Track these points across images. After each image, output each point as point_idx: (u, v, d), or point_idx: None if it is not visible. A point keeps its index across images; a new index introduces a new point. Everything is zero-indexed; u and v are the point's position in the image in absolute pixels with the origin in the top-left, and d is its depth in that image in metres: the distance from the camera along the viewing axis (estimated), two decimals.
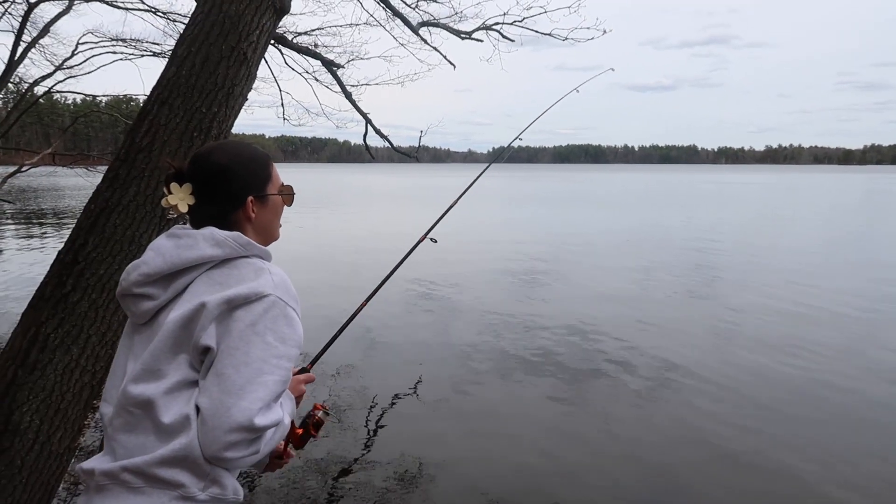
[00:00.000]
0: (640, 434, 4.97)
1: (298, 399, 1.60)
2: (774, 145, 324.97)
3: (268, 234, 1.56)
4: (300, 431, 1.65)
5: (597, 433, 5.00)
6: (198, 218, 1.47)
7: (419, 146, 9.44)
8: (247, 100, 3.00)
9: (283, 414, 1.39)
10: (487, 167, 3.18)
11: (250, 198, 1.48)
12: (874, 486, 4.20)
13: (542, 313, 8.87)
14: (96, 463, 1.33)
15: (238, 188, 1.47)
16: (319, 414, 1.68)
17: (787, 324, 8.31)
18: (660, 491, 4.13)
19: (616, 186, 59.28)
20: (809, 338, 7.60)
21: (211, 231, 1.39)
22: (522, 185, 61.46)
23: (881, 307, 9.27)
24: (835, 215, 27.43)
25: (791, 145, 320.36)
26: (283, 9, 2.80)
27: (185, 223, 1.49)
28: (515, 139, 3.37)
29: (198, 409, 1.29)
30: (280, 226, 1.60)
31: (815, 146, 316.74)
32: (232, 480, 1.36)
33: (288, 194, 1.59)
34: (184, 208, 1.45)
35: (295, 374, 1.63)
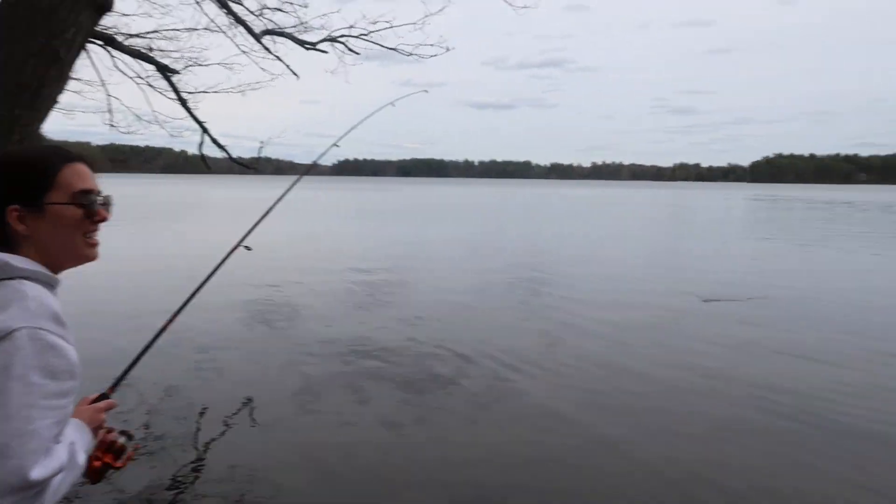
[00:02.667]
0: (474, 442, 5.05)
1: (97, 429, 1.41)
2: (599, 162, 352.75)
3: (60, 254, 1.32)
4: (98, 464, 1.44)
5: (430, 443, 5.02)
6: None
7: (259, 157, 9.09)
8: (57, 102, 2.67)
9: (76, 452, 1.24)
10: (298, 180, 3.15)
11: (12, 208, 1.25)
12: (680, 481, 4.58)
13: (378, 325, 8.82)
14: None
15: None
16: (121, 440, 1.48)
17: (611, 330, 8.94)
18: (492, 498, 4.21)
19: (454, 199, 61.07)
20: (631, 341, 8.24)
21: None
22: (365, 197, 61.47)
23: (688, 307, 10.28)
24: (647, 226, 30.18)
25: (614, 162, 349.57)
26: (103, 5, 2.53)
27: None
28: (329, 148, 3.36)
29: None
30: (92, 244, 1.35)
31: (634, 164, 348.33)
32: None
33: (83, 205, 1.31)
34: None
35: (92, 401, 1.46)
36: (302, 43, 6.43)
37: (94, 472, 1.43)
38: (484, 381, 6.52)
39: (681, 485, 4.43)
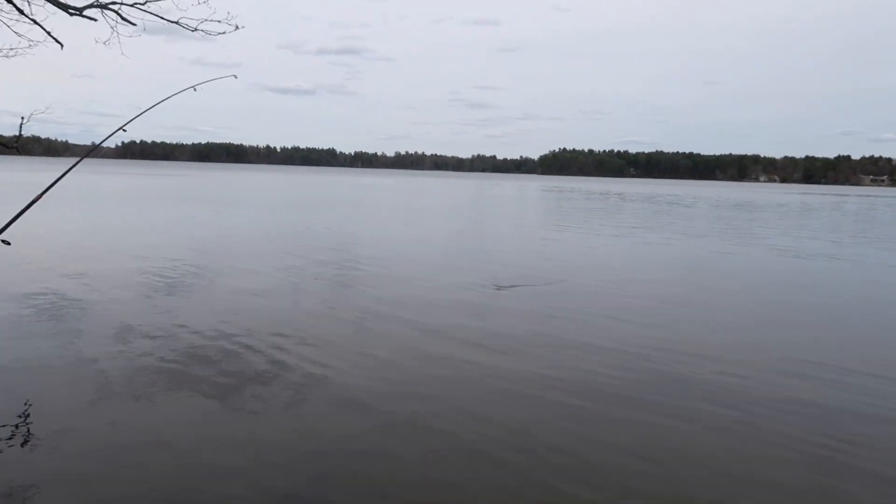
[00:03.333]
0: (291, 437, 5.00)
1: None
2: (403, 152, 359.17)
3: None
4: None
5: (245, 438, 4.88)
6: None
7: (20, 135, 8.06)
8: None
9: None
10: (80, 161, 2.88)
11: None
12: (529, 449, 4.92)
13: (176, 320, 8.28)
14: None
15: None
16: None
17: (416, 317, 9.24)
18: (307, 495, 4.21)
19: (254, 185, 58.79)
20: (443, 323, 8.59)
21: None
22: (157, 182, 56.78)
23: (485, 292, 10.95)
24: (453, 212, 31.51)
25: (417, 152, 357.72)
26: None
27: None
28: (117, 131, 3.10)
29: None
30: None
31: (436, 154, 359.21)
32: None
33: None
34: None
35: None
36: (65, 7, 5.77)
37: None
38: (292, 372, 6.42)
39: (475, 462, 4.73)
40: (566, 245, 19.06)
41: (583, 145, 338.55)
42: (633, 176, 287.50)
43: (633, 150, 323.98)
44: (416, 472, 4.47)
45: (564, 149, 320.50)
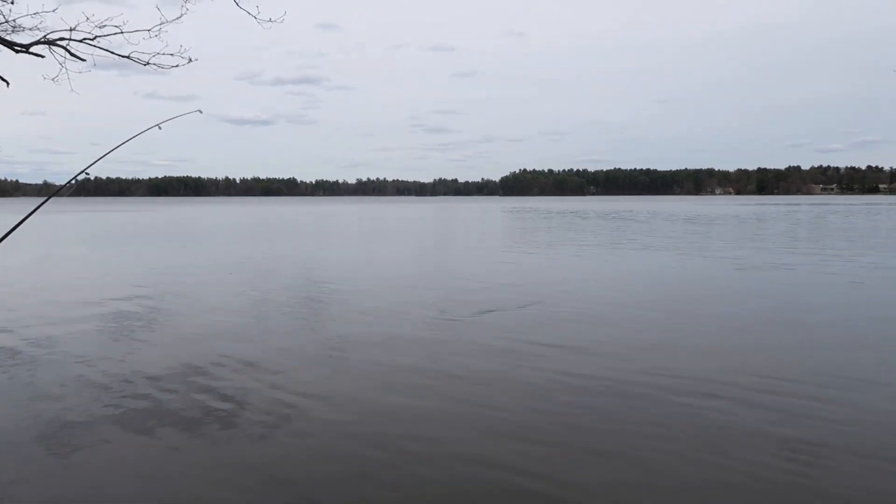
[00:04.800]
0: (256, 474, 4.88)
1: None
2: (364, 178, 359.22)
3: None
4: None
5: (208, 477, 4.74)
6: None
7: None
8: None
9: None
10: (45, 201, 2.78)
11: None
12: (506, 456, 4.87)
13: (140, 358, 8.09)
14: None
15: None
16: None
17: (390, 346, 9.17)
18: None
19: (217, 219, 58.01)
20: (410, 355, 8.52)
21: None
22: (114, 218, 55.64)
23: (459, 315, 10.92)
24: (416, 237, 31.51)
25: (378, 178, 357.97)
26: None
27: None
28: (81, 173, 3.02)
29: None
30: None
31: (398, 179, 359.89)
32: None
33: None
34: None
35: None
36: (10, 45, 5.65)
37: None
38: (264, 404, 6.30)
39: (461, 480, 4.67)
40: (533, 266, 19.17)
41: (542, 165, 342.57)
42: (593, 194, 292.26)
43: (591, 168, 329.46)
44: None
45: (525, 170, 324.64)
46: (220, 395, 6.60)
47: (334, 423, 5.83)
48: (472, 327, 9.98)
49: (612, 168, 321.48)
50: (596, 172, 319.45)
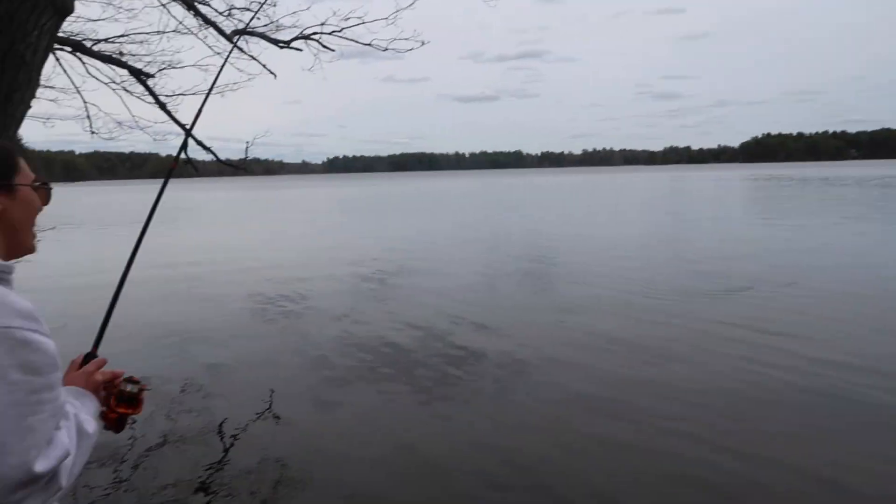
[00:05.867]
0: (500, 431, 5.11)
1: (95, 390, 1.46)
2: (590, 149, 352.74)
3: (19, 238, 1.37)
4: (114, 416, 1.49)
5: (456, 432, 5.09)
6: None
7: (246, 158, 9.10)
8: (30, 107, 2.72)
9: (82, 422, 1.28)
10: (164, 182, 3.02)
11: None
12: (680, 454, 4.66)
13: (390, 317, 8.92)
14: None
15: None
16: (128, 388, 1.50)
17: (618, 313, 9.02)
18: (522, 486, 4.29)
19: (452, 191, 61.05)
20: (640, 326, 8.32)
21: None
22: (361, 192, 61.38)
23: (694, 286, 10.36)
24: (650, 209, 30.26)
25: (605, 148, 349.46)
26: (64, 8, 2.57)
27: None
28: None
29: None
30: (35, 236, 1.40)
31: (625, 149, 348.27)
32: None
33: (43, 187, 1.40)
34: None
35: (80, 364, 1.50)
36: (275, 42, 6.45)
37: (114, 424, 1.49)
38: (494, 368, 6.61)
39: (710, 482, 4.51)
40: (786, 241, 17.40)
41: (789, 129, 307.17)
42: (853, 158, 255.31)
43: (851, 129, 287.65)
44: (627, 471, 4.36)
45: (769, 134, 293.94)
46: (458, 356, 7.02)
47: (569, 388, 5.89)
48: (709, 305, 9.37)
49: (880, 128, 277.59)
50: (858, 134, 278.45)
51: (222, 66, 2.53)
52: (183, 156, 8.27)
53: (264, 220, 31.34)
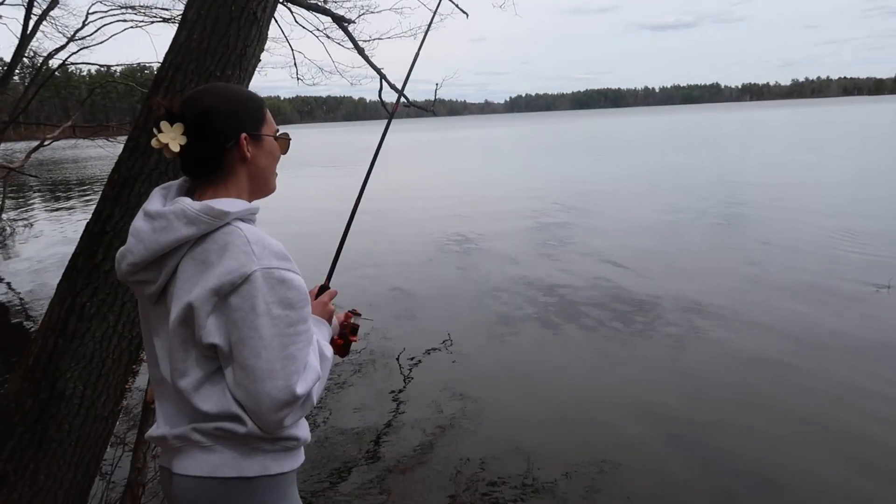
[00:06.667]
0: (675, 384, 4.98)
1: (329, 318, 1.63)
2: (801, 79, 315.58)
3: (264, 182, 1.51)
4: (340, 342, 1.72)
5: (632, 382, 5.02)
6: (190, 160, 1.43)
7: (434, 100, 9.33)
8: (259, 61, 2.97)
9: (323, 348, 1.45)
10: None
11: (244, 135, 1.43)
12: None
13: (570, 259, 8.89)
14: (166, 429, 1.39)
15: (231, 125, 1.42)
16: (353, 320, 1.75)
17: (816, 264, 8.21)
18: (693, 443, 4.16)
19: (637, 130, 58.22)
20: (840, 279, 7.52)
21: (182, 208, 1.33)
22: (543, 132, 60.66)
23: None
24: (868, 148, 26.70)
25: (819, 78, 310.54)
26: None
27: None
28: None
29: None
30: (276, 175, 1.55)
31: (844, 77, 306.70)
32: (300, 431, 1.42)
33: (284, 138, 1.54)
34: (175, 148, 1.39)
35: (315, 295, 1.67)
36: None
37: (340, 349, 1.71)
38: (673, 321, 6.38)
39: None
40: None
41: None
42: None
43: None
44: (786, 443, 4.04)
45: None
46: (633, 301, 6.83)
47: (750, 350, 5.53)
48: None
49: None
50: None
51: (431, 21, 2.59)
52: (377, 98, 8.70)
53: (449, 161, 32.18)
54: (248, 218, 1.40)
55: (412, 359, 5.61)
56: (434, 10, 2.65)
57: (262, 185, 1.51)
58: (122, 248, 1.41)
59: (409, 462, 3.89)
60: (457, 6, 6.82)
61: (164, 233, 1.32)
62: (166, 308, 1.36)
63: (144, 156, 2.71)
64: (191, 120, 1.40)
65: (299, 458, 1.45)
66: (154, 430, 1.43)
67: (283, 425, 1.32)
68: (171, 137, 1.39)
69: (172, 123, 1.40)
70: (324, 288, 1.73)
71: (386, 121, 2.39)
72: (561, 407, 4.58)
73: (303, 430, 1.43)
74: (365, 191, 2.03)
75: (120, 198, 2.70)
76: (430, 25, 2.68)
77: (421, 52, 2.41)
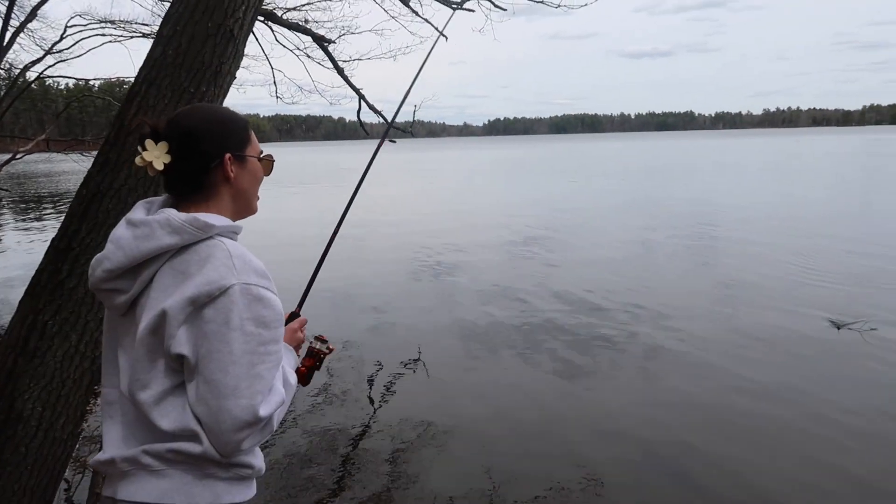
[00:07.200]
0: (646, 407, 4.98)
1: (298, 347, 1.61)
2: (772, 108, 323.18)
3: (245, 202, 1.51)
4: (304, 370, 1.66)
5: (601, 406, 5.02)
6: (173, 178, 1.43)
7: (413, 121, 9.36)
8: (235, 78, 2.94)
9: (288, 375, 1.41)
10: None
11: (228, 155, 1.43)
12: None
13: (543, 283, 8.88)
14: (114, 451, 1.34)
15: (215, 145, 1.42)
16: (317, 346, 1.70)
17: (786, 288, 8.33)
18: (664, 466, 4.15)
19: (612, 155, 58.99)
20: (814, 300, 7.63)
21: (167, 217, 1.32)
22: (518, 157, 61.20)
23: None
24: (835, 177, 27.31)
25: (789, 108, 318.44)
26: None
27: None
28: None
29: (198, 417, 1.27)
30: (258, 198, 1.54)
31: (814, 108, 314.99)
32: (254, 459, 1.37)
33: (268, 160, 1.54)
34: (159, 166, 1.38)
35: (286, 321, 1.62)
36: (449, 3, 6.50)
37: (303, 378, 1.65)
38: (642, 343, 6.41)
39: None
40: None
41: None
42: None
43: None
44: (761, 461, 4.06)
45: None
46: (605, 326, 6.85)
47: (722, 367, 5.56)
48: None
49: None
50: None
51: (430, 50, 2.61)
52: (356, 119, 8.70)
53: (427, 182, 32.30)
54: (231, 235, 1.39)
55: (383, 383, 5.55)
56: (429, 49, 2.63)
57: (243, 206, 1.51)
58: (97, 256, 1.39)
59: (377, 487, 3.82)
60: (437, 29, 6.88)
61: (145, 240, 1.31)
62: (135, 320, 1.33)
63: (114, 171, 2.66)
64: (175, 139, 1.40)
65: (251, 489, 1.39)
66: (100, 455, 1.36)
67: (240, 448, 1.28)
68: (156, 156, 1.39)
69: (157, 142, 1.39)
70: (294, 315, 1.70)
71: (367, 142, 2.38)
72: (531, 430, 4.54)
73: (258, 458, 1.38)
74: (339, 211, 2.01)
75: (88, 213, 2.64)
76: (425, 61, 2.62)
77: (413, 84, 2.42)
